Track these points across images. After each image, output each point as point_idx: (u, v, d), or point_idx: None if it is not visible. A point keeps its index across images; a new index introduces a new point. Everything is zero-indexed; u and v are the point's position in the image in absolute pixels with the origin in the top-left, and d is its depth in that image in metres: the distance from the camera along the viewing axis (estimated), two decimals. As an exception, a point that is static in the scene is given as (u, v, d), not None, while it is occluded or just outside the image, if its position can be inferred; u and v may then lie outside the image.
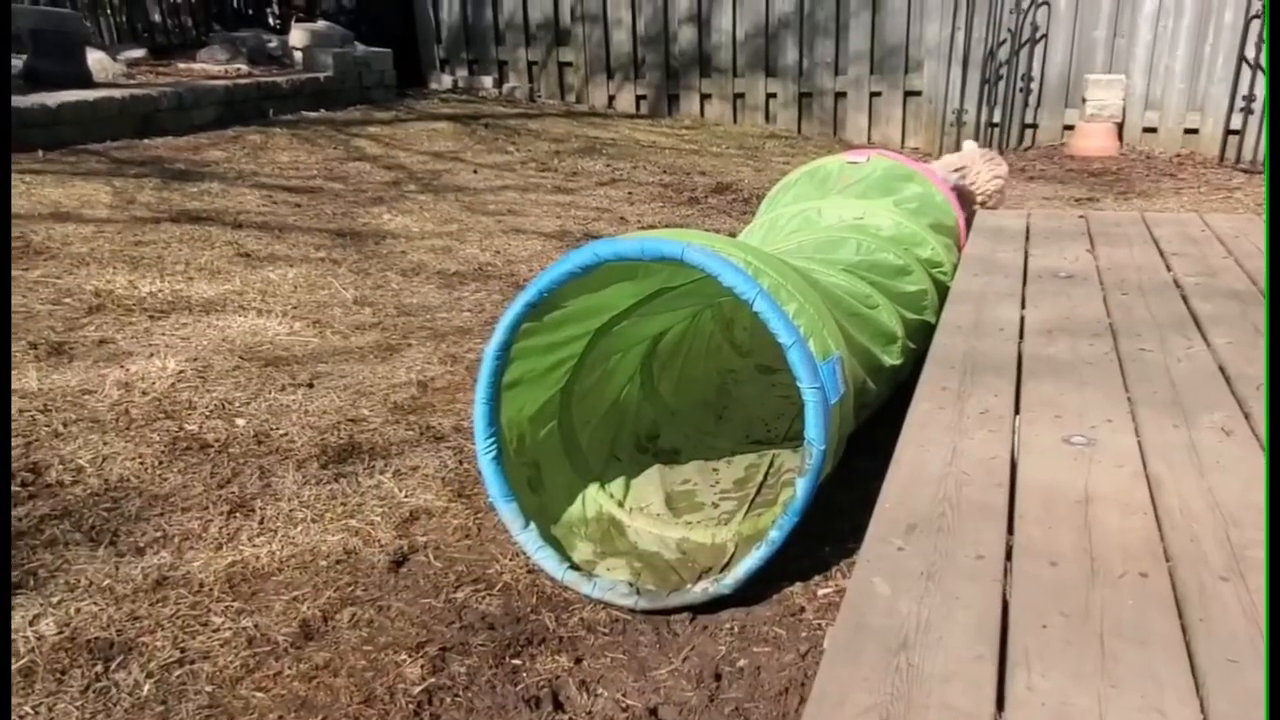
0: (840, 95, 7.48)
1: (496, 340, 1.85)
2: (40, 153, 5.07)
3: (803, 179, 3.15)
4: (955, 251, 3.00)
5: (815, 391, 1.69)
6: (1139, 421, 1.73)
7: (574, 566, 1.89)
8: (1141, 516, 1.40)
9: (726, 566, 1.95)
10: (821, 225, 2.79)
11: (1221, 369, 2.00)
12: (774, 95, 7.70)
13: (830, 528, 2.09)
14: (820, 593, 1.89)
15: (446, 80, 8.48)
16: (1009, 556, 1.31)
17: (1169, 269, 2.82)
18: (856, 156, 3.23)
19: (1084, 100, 6.85)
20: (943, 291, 2.69)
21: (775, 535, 1.77)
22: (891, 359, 2.35)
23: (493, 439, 1.90)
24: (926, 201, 2.97)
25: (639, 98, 8.12)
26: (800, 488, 1.73)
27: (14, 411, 2.47)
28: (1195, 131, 6.74)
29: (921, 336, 2.46)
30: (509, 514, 1.90)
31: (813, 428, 1.70)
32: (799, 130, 7.64)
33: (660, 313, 2.32)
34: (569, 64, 8.23)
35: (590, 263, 1.74)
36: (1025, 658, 1.09)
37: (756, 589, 1.86)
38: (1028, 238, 3.22)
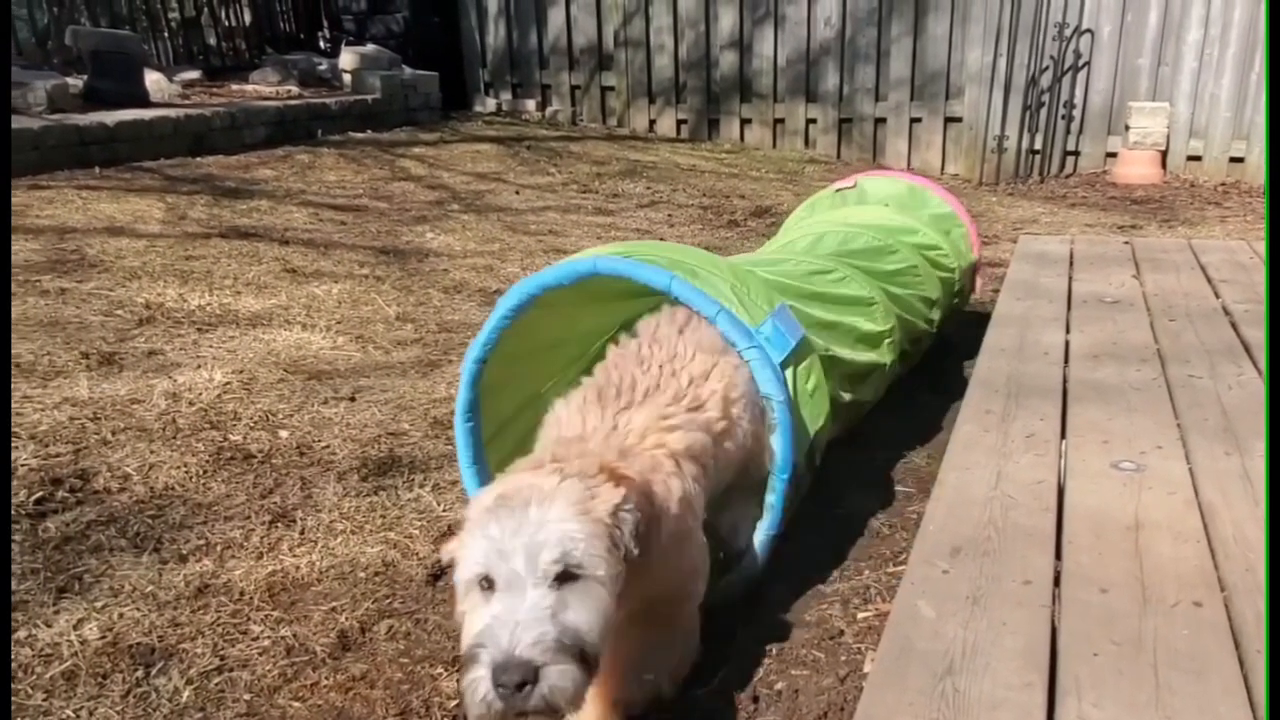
0: (880, 121, 7.47)
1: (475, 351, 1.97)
2: (97, 169, 5.21)
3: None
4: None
5: (755, 351, 1.72)
6: (1190, 448, 1.70)
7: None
8: (1194, 545, 1.36)
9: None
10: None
11: (1276, 398, 1.95)
12: (814, 120, 7.70)
13: (867, 551, 2.07)
14: (859, 616, 1.86)
15: (490, 103, 8.60)
16: (1057, 582, 1.28)
17: (1217, 296, 2.77)
18: (844, 184, 3.29)
19: (1127, 128, 6.77)
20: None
21: (772, 499, 1.77)
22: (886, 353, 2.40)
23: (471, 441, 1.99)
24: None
25: (680, 122, 8.17)
26: (778, 446, 1.73)
27: (65, 419, 2.53)
28: (1240, 160, 6.63)
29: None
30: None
31: (768, 384, 1.72)
32: (838, 155, 7.63)
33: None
34: (611, 88, 8.31)
35: (522, 301, 1.88)
36: (1076, 686, 1.06)
37: (793, 613, 1.84)
38: (1071, 263, 3.18)
